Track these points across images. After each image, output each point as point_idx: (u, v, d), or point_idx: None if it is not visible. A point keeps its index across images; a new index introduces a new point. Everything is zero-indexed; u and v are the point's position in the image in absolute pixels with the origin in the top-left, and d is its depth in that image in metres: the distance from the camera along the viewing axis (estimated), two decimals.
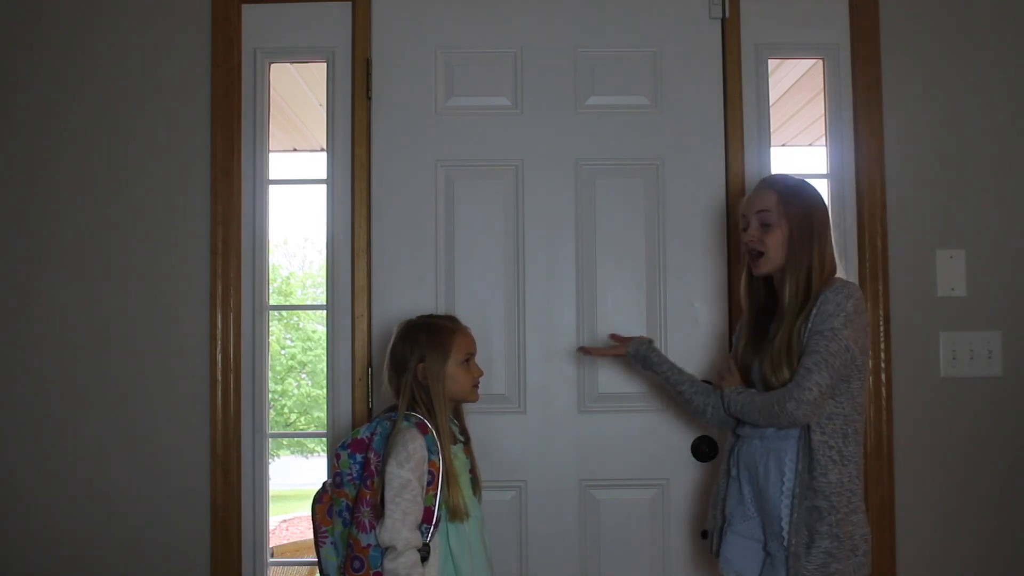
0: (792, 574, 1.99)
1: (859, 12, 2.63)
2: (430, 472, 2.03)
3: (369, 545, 1.98)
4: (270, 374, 2.71)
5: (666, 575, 2.56)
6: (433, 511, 2.02)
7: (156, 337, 2.61)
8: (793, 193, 2.11)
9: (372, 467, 2.02)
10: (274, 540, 7.16)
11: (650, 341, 2.39)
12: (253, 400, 2.61)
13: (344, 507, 2.06)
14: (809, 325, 2.01)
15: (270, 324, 2.70)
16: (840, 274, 2.13)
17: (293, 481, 11.33)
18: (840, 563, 1.95)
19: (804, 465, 2.00)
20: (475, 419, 2.47)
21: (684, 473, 2.57)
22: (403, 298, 2.58)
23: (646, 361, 2.35)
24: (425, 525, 2.01)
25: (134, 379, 2.60)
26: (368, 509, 2.00)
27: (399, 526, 1.96)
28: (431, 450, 2.04)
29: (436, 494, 2.02)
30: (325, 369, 2.64)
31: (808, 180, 2.21)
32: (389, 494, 1.98)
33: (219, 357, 2.58)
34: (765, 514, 2.08)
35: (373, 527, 1.99)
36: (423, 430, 2.05)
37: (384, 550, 1.97)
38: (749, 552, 2.13)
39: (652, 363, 2.34)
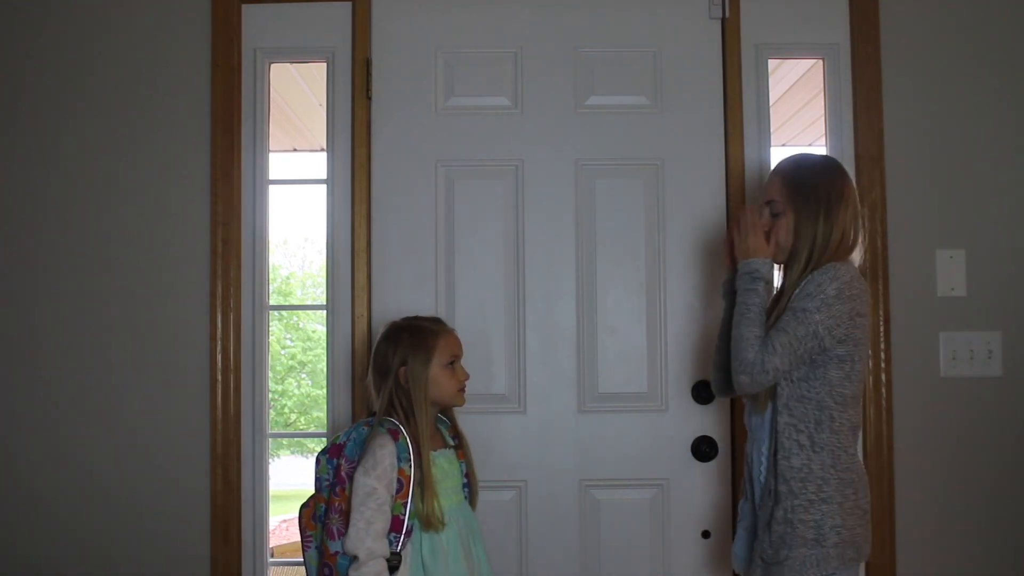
0: (754, 554, 2.00)
1: (859, 12, 2.63)
2: (399, 480, 1.99)
3: (337, 552, 1.96)
4: (270, 374, 2.71)
5: (666, 575, 2.56)
6: (402, 520, 1.98)
7: (156, 337, 2.61)
8: (798, 175, 2.05)
9: (343, 473, 1.99)
10: (274, 540, 7.16)
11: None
12: (253, 400, 2.61)
13: (323, 512, 2.03)
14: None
15: (270, 324, 2.70)
16: (856, 255, 2.05)
17: (293, 481, 11.32)
18: (792, 551, 1.92)
19: (771, 449, 1.99)
20: (475, 419, 2.48)
21: (684, 473, 2.57)
22: (403, 298, 2.58)
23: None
24: (395, 534, 1.97)
25: (134, 379, 2.60)
26: (337, 516, 1.97)
27: (362, 535, 1.93)
28: (401, 457, 1.99)
29: (406, 502, 1.98)
30: (325, 369, 2.64)
31: (828, 155, 2.12)
32: (354, 502, 1.95)
33: (219, 357, 2.58)
34: (755, 505, 2.08)
35: (341, 534, 1.96)
36: (394, 436, 2.00)
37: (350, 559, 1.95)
38: (747, 544, 2.12)
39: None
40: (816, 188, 2.02)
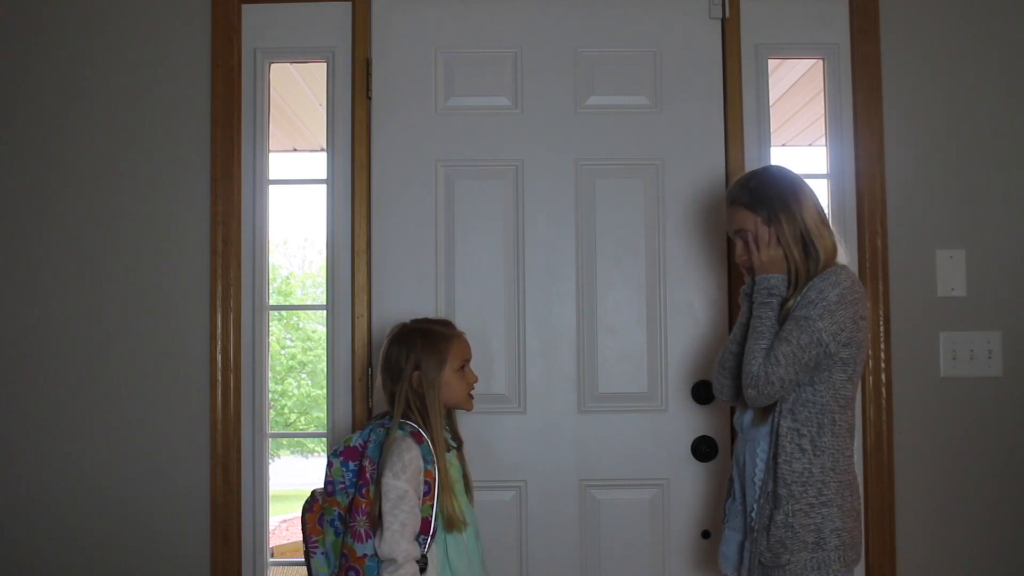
0: (749, 557, 1.99)
1: (859, 12, 2.63)
2: (426, 482, 2.00)
3: (365, 555, 1.95)
4: (270, 374, 2.71)
5: (666, 575, 2.56)
6: (430, 521, 1.99)
7: (156, 337, 2.61)
8: (757, 196, 2.05)
9: (367, 475, 1.98)
10: (274, 540, 7.15)
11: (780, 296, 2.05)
12: (253, 400, 2.61)
13: (336, 516, 2.03)
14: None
15: (270, 324, 2.70)
16: (841, 257, 2.06)
17: (293, 481, 11.31)
18: (793, 555, 1.92)
19: (771, 452, 1.98)
20: (475, 419, 2.47)
21: (684, 473, 2.57)
22: (403, 298, 2.58)
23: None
24: (422, 536, 1.98)
25: (134, 379, 2.60)
26: (364, 518, 1.96)
27: (398, 538, 1.93)
28: (427, 460, 2.00)
29: (432, 504, 1.99)
30: (325, 369, 2.65)
31: (770, 165, 2.13)
32: (387, 506, 1.95)
33: (219, 357, 2.58)
34: (745, 506, 2.07)
35: (370, 536, 1.95)
36: (418, 439, 2.01)
37: (381, 562, 1.94)
38: (736, 545, 2.11)
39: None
40: (780, 206, 2.03)
